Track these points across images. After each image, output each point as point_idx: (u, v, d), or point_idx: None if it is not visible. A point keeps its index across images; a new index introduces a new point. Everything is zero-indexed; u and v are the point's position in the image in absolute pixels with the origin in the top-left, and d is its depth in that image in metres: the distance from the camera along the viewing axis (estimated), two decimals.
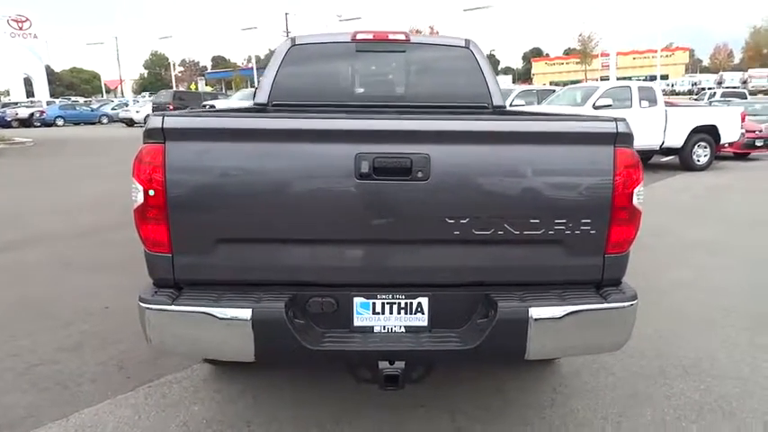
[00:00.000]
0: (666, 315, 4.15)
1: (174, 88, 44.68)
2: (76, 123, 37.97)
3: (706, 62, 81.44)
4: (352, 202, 2.20)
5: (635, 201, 2.25)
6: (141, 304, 2.24)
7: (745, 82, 51.04)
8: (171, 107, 29.51)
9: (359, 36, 4.23)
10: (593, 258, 2.31)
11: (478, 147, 2.20)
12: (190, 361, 3.43)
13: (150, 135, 2.18)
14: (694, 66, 77.96)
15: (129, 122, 34.10)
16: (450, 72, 4.32)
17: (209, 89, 51.72)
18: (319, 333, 2.30)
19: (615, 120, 2.21)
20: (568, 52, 78.82)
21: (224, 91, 48.31)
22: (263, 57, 75.65)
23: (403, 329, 2.34)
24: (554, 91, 16.01)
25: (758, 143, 14.08)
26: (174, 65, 75.71)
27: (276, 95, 4.15)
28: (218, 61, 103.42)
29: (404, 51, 4.26)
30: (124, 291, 4.37)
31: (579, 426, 2.81)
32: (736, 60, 76.44)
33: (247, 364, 3.13)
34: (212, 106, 23.47)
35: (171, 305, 2.20)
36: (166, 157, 2.16)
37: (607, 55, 57.05)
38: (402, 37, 4.24)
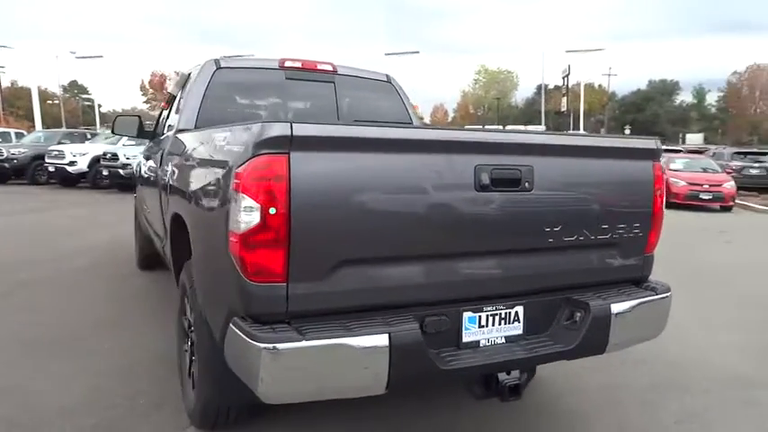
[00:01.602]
0: None
1: None
2: None
3: (427, 119, 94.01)
4: (472, 213, 2.20)
5: (663, 207, 2.68)
6: (257, 344, 1.88)
7: None
8: None
9: (287, 63, 4.11)
10: (637, 258, 2.66)
11: (569, 159, 2.40)
12: None
13: (270, 144, 1.89)
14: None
15: None
16: (376, 103, 4.45)
17: None
18: (436, 353, 2.20)
19: (654, 138, 2.63)
20: None
21: None
22: None
23: (503, 340, 2.37)
24: None
25: None
26: None
27: (203, 121, 3.77)
28: None
29: (332, 82, 4.26)
30: None
31: None
32: (450, 119, 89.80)
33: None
34: None
35: (302, 341, 1.89)
36: (291, 168, 1.90)
37: None
38: (329, 67, 4.26)
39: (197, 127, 3.74)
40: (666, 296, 2.64)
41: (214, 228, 2.17)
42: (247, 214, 1.90)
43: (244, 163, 1.94)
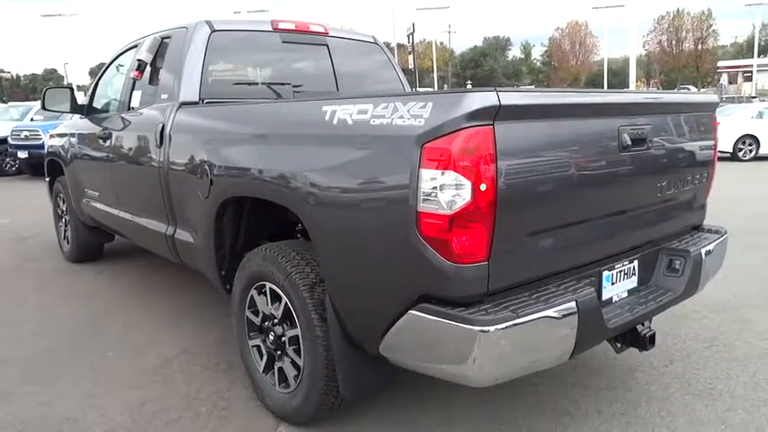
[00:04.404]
0: None
1: None
2: None
3: None
4: (618, 175, 2.25)
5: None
6: (472, 327, 1.78)
7: None
8: None
9: (281, 25, 3.78)
10: (701, 204, 2.89)
11: (667, 116, 2.51)
12: None
13: (478, 115, 1.75)
14: None
15: None
16: (369, 66, 4.26)
17: None
18: None
19: (714, 93, 2.84)
20: None
21: None
22: None
23: (626, 293, 2.47)
24: None
25: None
26: None
27: (208, 91, 3.37)
28: None
29: (325, 44, 3.99)
30: None
31: None
32: None
33: None
34: None
35: (516, 319, 1.82)
36: (496, 140, 1.79)
37: None
38: (321, 29, 3.99)
39: (201, 99, 3.33)
40: (727, 236, 2.91)
41: (381, 210, 1.98)
42: (455, 193, 1.76)
43: (440, 137, 1.77)
